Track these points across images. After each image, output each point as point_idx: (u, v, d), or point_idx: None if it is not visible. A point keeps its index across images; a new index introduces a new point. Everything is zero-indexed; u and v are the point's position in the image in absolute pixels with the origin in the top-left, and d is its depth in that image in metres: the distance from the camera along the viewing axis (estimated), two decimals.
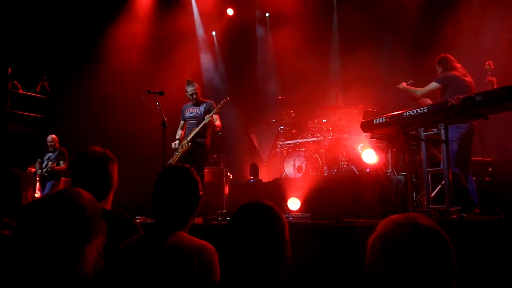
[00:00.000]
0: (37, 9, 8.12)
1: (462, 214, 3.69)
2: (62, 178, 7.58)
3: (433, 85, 4.65)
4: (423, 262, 1.17)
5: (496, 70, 4.57)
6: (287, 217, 6.09)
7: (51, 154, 7.61)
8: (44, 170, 7.43)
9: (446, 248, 1.22)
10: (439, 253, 1.20)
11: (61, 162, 7.52)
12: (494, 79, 4.53)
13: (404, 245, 1.20)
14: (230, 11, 10.25)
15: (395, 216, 1.30)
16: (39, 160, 7.68)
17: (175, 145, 6.04)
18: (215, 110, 5.88)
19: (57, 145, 7.71)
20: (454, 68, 4.75)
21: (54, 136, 7.75)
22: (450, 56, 4.89)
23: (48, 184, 7.44)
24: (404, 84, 4.98)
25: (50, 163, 7.40)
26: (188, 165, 2.06)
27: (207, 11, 10.19)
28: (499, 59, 4.98)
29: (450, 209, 3.83)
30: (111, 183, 2.17)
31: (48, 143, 7.67)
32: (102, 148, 2.22)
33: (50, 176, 7.46)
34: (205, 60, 10.35)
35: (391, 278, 1.19)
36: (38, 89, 9.00)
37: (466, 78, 4.70)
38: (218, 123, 5.98)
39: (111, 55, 8.79)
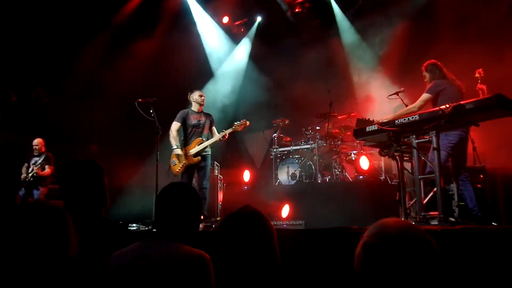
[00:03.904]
0: (32, 12, 8.09)
1: (451, 220, 3.72)
2: (49, 185, 7.36)
3: (425, 96, 4.58)
4: (403, 272, 1.13)
5: (486, 78, 4.62)
6: (280, 225, 6.13)
7: (37, 158, 7.38)
8: (30, 175, 7.23)
9: (430, 258, 1.16)
10: (422, 263, 1.14)
11: (46, 167, 7.29)
12: (484, 87, 4.58)
13: (383, 254, 1.15)
14: (225, 19, 10.34)
15: (380, 222, 1.25)
16: (26, 165, 7.41)
17: (179, 152, 5.90)
18: (231, 129, 6.03)
19: (43, 149, 7.49)
20: (443, 76, 4.67)
21: (40, 139, 7.52)
22: (438, 62, 4.77)
23: (35, 193, 7.20)
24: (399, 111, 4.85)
25: (35, 168, 7.21)
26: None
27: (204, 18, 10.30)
28: (489, 67, 5.01)
29: (442, 216, 3.87)
30: (104, 193, 2.16)
31: (34, 147, 7.44)
32: (91, 158, 2.20)
33: (36, 182, 7.25)
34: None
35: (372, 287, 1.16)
36: (33, 96, 8.95)
37: (456, 83, 4.64)
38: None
39: (104, 62, 8.79)
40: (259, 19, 10.46)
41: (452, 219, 3.99)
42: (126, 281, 1.78)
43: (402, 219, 4.22)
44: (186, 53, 9.43)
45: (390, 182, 6.92)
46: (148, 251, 1.82)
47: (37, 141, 7.49)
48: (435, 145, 4.00)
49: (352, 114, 7.75)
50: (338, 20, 9.57)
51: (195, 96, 6.11)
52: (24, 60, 8.22)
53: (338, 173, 7.38)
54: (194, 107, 6.12)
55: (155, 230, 1.97)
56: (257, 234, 1.63)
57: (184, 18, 9.83)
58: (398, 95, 5.51)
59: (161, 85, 8.56)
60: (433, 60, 4.79)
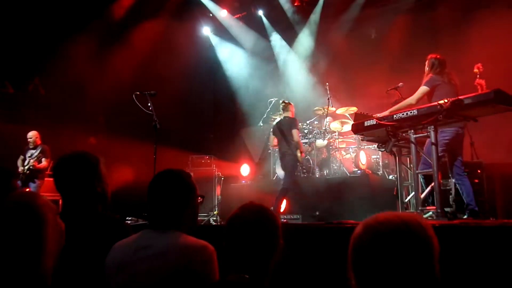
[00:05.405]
0: (28, 2, 8.04)
1: (448, 214, 3.73)
2: (46, 178, 7.29)
3: (423, 89, 4.57)
4: (387, 265, 1.09)
5: (484, 73, 4.60)
6: None
7: (33, 151, 7.24)
8: (26, 168, 7.12)
9: (416, 250, 1.10)
10: (407, 256, 1.09)
11: (43, 159, 7.18)
12: (483, 82, 4.56)
13: (367, 246, 1.12)
14: (224, 13, 10.30)
15: (372, 216, 1.20)
16: (21, 157, 7.27)
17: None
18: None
19: (38, 141, 7.34)
20: (440, 72, 4.64)
21: (35, 132, 7.35)
22: (442, 58, 4.71)
23: (32, 185, 7.09)
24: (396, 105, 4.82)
25: (32, 161, 7.11)
26: None
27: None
28: (488, 61, 4.98)
29: (440, 210, 3.87)
30: (99, 187, 2.10)
31: (28, 139, 7.27)
32: (89, 150, 2.16)
33: (32, 175, 7.15)
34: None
35: (358, 284, 1.14)
36: (30, 88, 8.90)
37: (452, 83, 4.62)
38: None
39: (102, 52, 8.73)
40: (260, 12, 10.38)
41: (449, 210, 3.99)
42: (130, 272, 1.77)
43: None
44: (187, 45, 9.42)
45: (388, 177, 6.92)
46: (150, 242, 1.80)
47: (31, 134, 7.33)
48: (433, 140, 3.99)
49: (350, 109, 7.73)
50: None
51: (294, 108, 6.58)
52: (21, 52, 8.16)
53: (336, 167, 7.37)
54: (291, 115, 6.50)
55: (149, 221, 1.93)
56: (268, 229, 1.67)
57: (186, 8, 9.78)
58: (397, 89, 5.51)
59: (161, 77, 8.52)
60: (438, 55, 4.74)
